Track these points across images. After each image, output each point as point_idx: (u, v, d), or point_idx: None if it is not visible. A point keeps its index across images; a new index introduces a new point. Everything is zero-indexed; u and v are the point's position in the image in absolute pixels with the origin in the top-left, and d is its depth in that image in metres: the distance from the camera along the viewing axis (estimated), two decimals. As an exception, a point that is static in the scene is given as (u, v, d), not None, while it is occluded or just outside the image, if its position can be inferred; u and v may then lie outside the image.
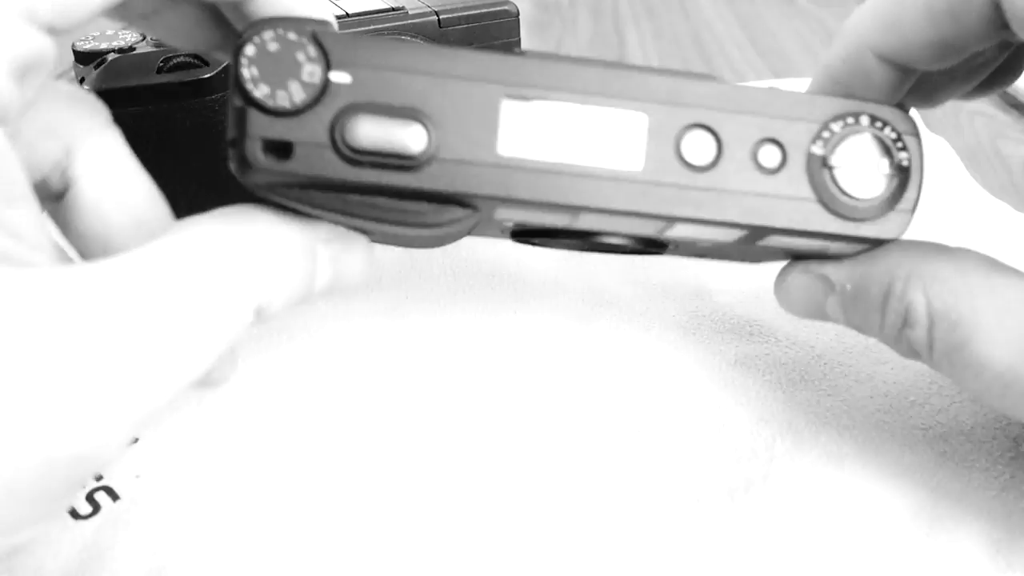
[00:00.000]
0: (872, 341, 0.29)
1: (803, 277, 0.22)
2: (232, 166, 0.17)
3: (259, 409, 0.26)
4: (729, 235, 0.20)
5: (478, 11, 0.32)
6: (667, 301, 0.32)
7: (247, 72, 0.16)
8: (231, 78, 0.17)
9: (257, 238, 0.17)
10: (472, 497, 0.23)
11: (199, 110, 0.28)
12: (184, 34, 0.21)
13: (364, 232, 0.19)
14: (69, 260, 0.16)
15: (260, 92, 0.16)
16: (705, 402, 0.27)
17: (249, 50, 0.16)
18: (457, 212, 0.18)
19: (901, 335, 0.20)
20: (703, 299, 0.32)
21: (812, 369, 0.28)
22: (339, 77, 0.17)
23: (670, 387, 0.27)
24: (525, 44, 0.35)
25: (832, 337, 0.30)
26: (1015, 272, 0.19)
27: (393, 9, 0.32)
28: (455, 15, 0.32)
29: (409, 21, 0.31)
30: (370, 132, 0.17)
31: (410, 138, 0.17)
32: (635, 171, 0.18)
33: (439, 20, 0.32)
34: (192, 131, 0.29)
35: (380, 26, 0.31)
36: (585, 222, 0.19)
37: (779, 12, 0.68)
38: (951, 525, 0.22)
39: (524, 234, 0.22)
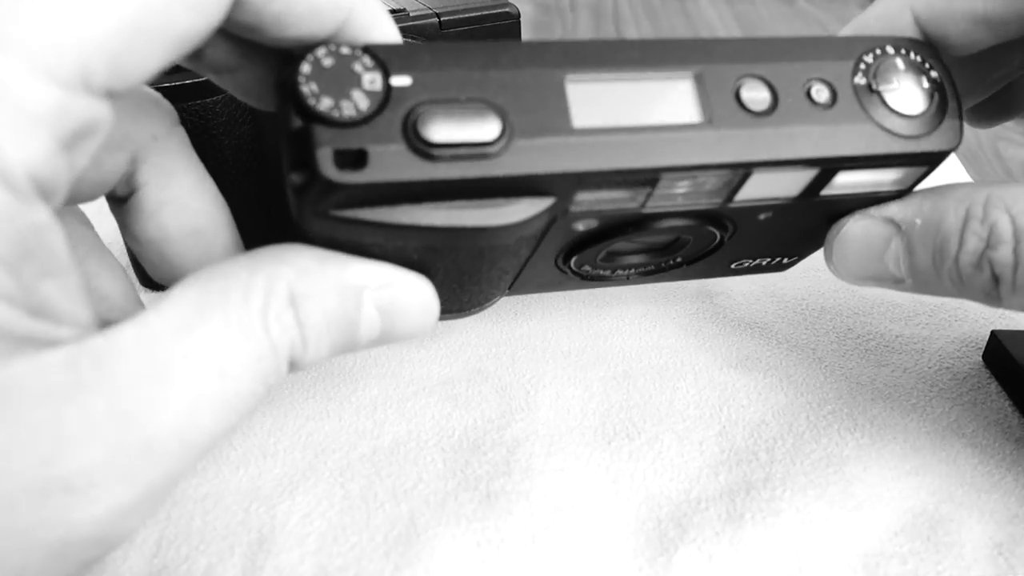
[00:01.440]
0: (873, 344, 0.29)
1: (863, 223, 0.22)
2: (295, 201, 0.17)
3: (260, 408, 0.26)
4: (797, 182, 0.20)
5: (479, 13, 0.32)
6: (669, 303, 0.32)
7: (306, 88, 0.16)
8: (282, 108, 0.16)
9: (286, 286, 0.16)
10: (473, 497, 0.23)
11: (200, 112, 0.28)
12: (256, 93, 0.19)
13: (427, 274, 0.19)
14: (103, 326, 0.15)
15: (324, 105, 0.16)
16: (705, 403, 0.27)
17: (305, 68, 0.16)
18: (537, 203, 0.18)
19: (982, 261, 0.20)
20: (704, 301, 0.32)
21: (813, 372, 0.28)
22: (400, 81, 0.16)
23: (671, 388, 0.27)
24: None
25: (833, 340, 0.30)
26: None
27: (394, 11, 0.32)
28: (456, 17, 0.32)
29: (410, 23, 0.31)
30: (444, 124, 0.16)
31: (484, 125, 0.17)
32: (704, 125, 0.19)
33: (440, 22, 0.32)
34: (193, 133, 0.29)
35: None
36: (659, 198, 0.20)
37: (779, 13, 0.68)
38: (953, 528, 0.22)
39: (588, 246, 0.22)
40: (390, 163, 0.16)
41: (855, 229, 0.22)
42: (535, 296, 0.32)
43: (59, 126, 0.14)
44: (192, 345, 0.15)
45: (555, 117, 0.17)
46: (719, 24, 0.66)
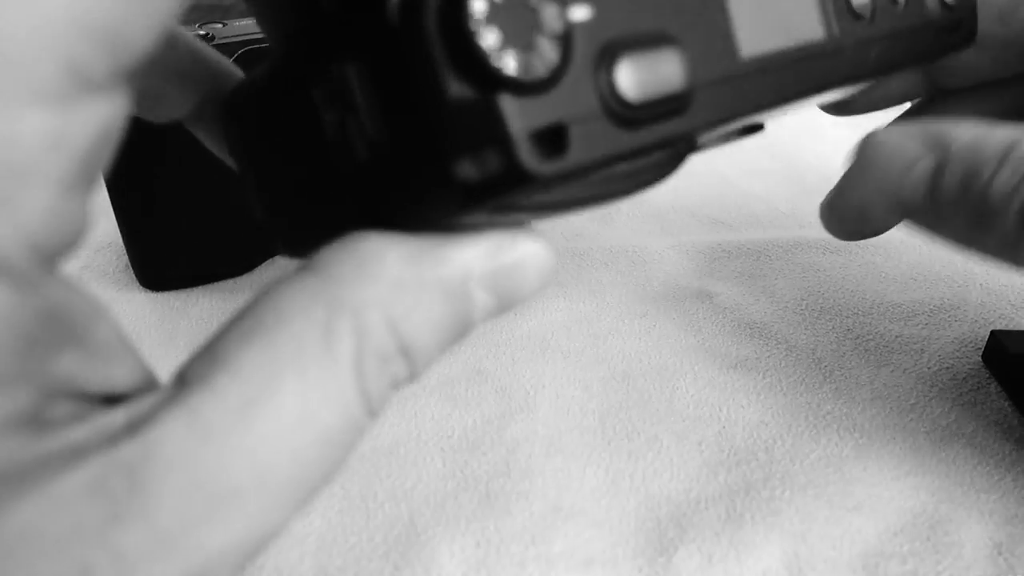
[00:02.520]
0: (872, 344, 0.29)
1: (898, 132, 0.20)
2: (450, 200, 0.12)
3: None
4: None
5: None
6: (668, 304, 0.32)
7: (486, 38, 0.10)
8: (417, 62, 0.11)
9: (382, 318, 0.12)
10: (472, 498, 0.23)
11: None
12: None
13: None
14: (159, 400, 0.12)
15: (511, 64, 0.11)
16: (705, 404, 0.27)
17: (478, 5, 0.10)
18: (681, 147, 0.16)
19: (1016, 192, 0.18)
20: (704, 302, 0.32)
21: (812, 372, 0.28)
22: (580, 13, 0.12)
23: (670, 388, 0.27)
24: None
25: (832, 340, 0.30)
26: None
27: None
28: None
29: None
30: (636, 76, 0.12)
31: (671, 71, 0.13)
32: (829, 40, 0.17)
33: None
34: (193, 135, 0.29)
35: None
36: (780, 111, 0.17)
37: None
38: (952, 528, 0.22)
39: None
40: (593, 139, 0.12)
41: (888, 138, 0.20)
42: (535, 297, 0.32)
43: (61, 163, 0.10)
44: (258, 436, 0.11)
45: (722, 47, 0.14)
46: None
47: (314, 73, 0.12)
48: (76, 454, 0.10)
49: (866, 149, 0.21)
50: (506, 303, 0.14)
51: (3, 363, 0.10)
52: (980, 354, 0.29)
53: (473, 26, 0.10)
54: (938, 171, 0.19)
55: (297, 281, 0.12)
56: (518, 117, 0.11)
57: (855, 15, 0.18)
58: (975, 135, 0.19)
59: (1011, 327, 0.31)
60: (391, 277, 0.12)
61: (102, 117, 0.10)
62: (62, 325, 0.11)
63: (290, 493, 0.11)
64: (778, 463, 0.24)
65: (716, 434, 0.25)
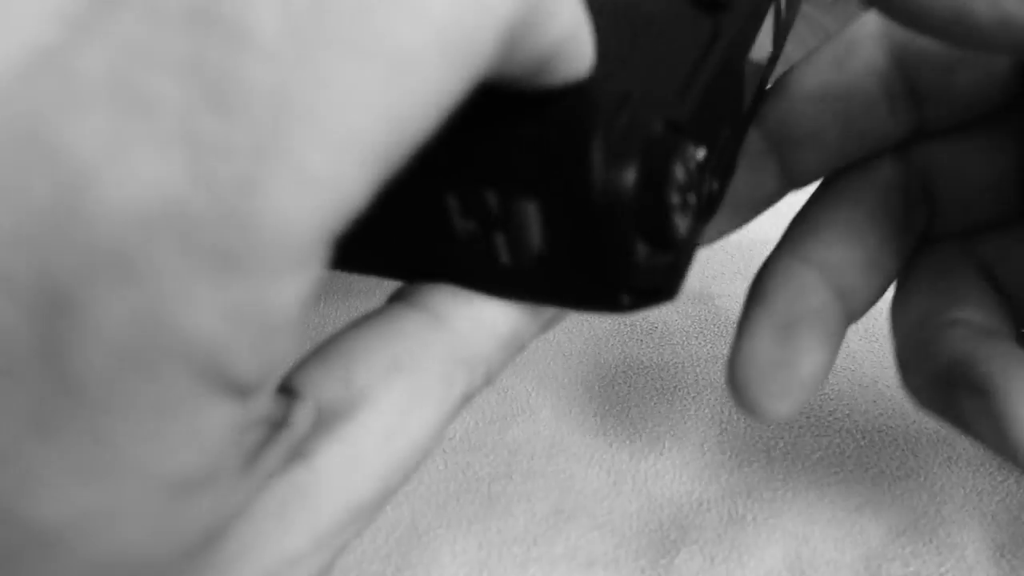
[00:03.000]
0: (876, 345, 0.29)
1: None
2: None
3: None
4: None
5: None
6: (669, 305, 0.32)
7: (676, 215, 0.12)
8: (615, 233, 0.11)
9: (486, 366, 0.14)
10: (474, 499, 0.23)
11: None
12: None
13: None
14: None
15: (684, 226, 0.12)
16: (707, 404, 0.27)
17: (675, 195, 0.12)
18: None
19: None
20: (705, 303, 0.32)
21: (815, 373, 0.28)
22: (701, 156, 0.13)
23: (671, 390, 0.27)
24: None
25: (835, 341, 0.30)
26: None
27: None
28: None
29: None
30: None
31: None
32: None
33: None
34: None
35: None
36: None
37: (781, 16, 0.68)
38: (954, 529, 0.22)
39: None
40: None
41: None
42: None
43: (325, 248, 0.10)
44: (391, 463, 0.13)
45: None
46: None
47: (454, 182, 0.12)
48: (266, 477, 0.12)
49: None
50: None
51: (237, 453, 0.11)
52: (982, 355, 0.29)
53: (670, 209, 0.11)
54: None
55: (423, 324, 0.14)
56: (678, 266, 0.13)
57: None
58: None
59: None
60: (500, 337, 0.14)
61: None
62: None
63: (397, 479, 0.13)
64: (780, 464, 0.24)
65: (718, 435, 0.25)
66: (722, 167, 0.14)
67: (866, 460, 0.24)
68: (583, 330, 0.30)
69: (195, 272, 0.08)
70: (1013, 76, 0.17)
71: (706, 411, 0.27)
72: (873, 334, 0.30)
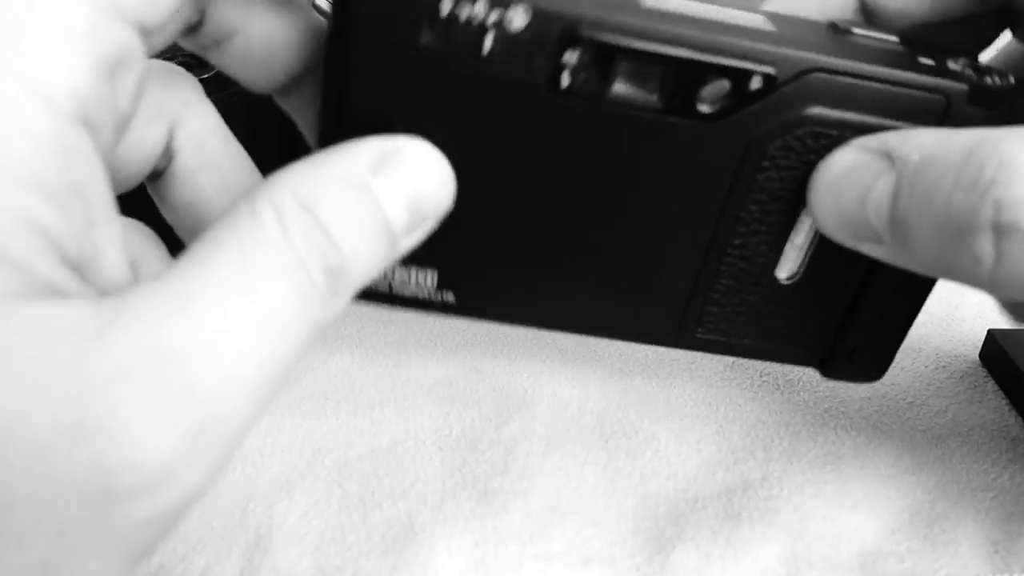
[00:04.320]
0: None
1: (854, 152, 0.18)
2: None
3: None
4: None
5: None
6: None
7: None
8: None
9: (291, 195, 0.15)
10: (470, 496, 0.23)
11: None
12: (254, 64, 0.18)
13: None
14: (134, 282, 0.15)
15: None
16: (702, 402, 0.27)
17: None
18: None
19: (985, 199, 0.15)
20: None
21: (809, 371, 0.28)
22: None
23: (668, 387, 0.27)
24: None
25: (830, 338, 0.30)
26: None
27: None
28: None
29: None
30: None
31: None
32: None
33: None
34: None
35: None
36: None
37: (777, 14, 0.68)
38: (949, 526, 0.22)
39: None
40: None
41: (845, 157, 0.18)
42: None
43: (96, 48, 0.13)
44: (214, 275, 0.14)
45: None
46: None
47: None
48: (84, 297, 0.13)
49: (820, 178, 0.19)
50: (413, 201, 0.16)
51: (48, 172, 0.12)
52: (977, 353, 0.29)
53: None
54: (896, 193, 0.17)
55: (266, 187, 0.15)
56: None
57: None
58: (934, 144, 0.17)
59: (1008, 327, 0.31)
60: (299, 173, 0.15)
61: (125, 40, 0.14)
62: (100, 189, 0.14)
63: (252, 319, 0.14)
64: (775, 462, 0.24)
65: (714, 433, 0.26)
66: None
67: (861, 458, 0.24)
68: (579, 328, 0.31)
69: None
70: None
71: (702, 409, 0.27)
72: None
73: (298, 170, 0.15)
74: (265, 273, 0.14)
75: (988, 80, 0.17)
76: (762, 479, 0.24)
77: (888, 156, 0.17)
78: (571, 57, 0.17)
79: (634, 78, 0.18)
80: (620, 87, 0.18)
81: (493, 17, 0.16)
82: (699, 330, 0.21)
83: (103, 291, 0.14)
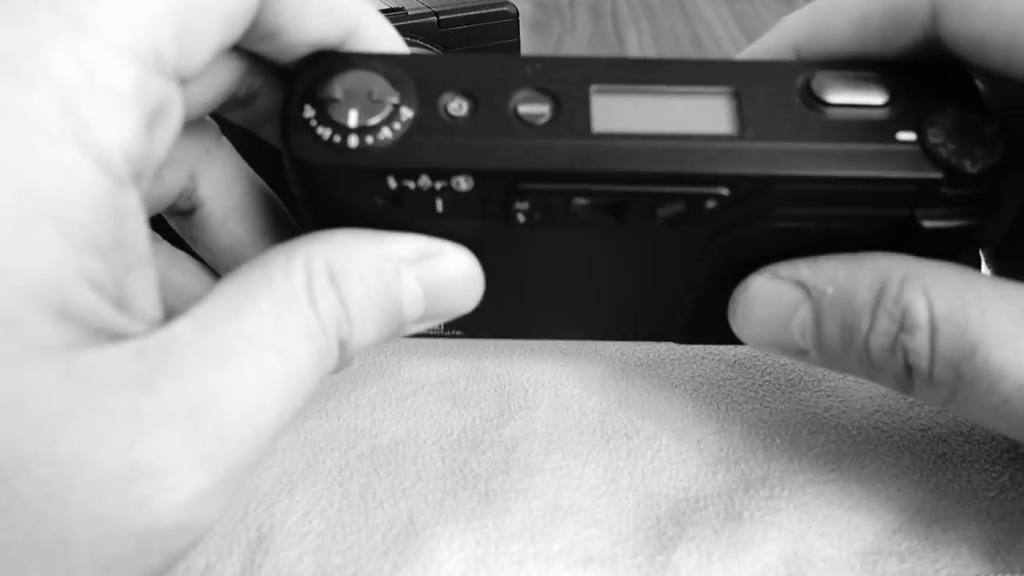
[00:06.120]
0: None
1: (771, 283, 0.19)
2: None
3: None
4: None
5: (477, 12, 0.32)
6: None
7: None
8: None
9: (323, 263, 0.16)
10: (471, 496, 0.23)
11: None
12: (268, 123, 0.20)
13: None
14: (169, 322, 0.15)
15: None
16: (704, 402, 0.27)
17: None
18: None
19: (895, 346, 0.17)
20: (702, 300, 0.32)
21: (810, 370, 0.28)
22: None
23: (669, 386, 0.27)
24: (524, 45, 0.35)
25: (831, 338, 0.30)
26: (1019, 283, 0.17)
27: (392, 9, 0.32)
28: (454, 16, 0.32)
29: (408, 22, 0.31)
30: None
31: None
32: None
33: (438, 20, 0.32)
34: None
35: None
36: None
37: (778, 13, 0.68)
38: (950, 526, 0.22)
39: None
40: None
41: (762, 289, 0.19)
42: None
43: (143, 104, 0.14)
44: (246, 328, 0.15)
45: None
46: (718, 23, 0.66)
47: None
48: (128, 336, 0.14)
49: (741, 306, 0.20)
50: (432, 301, 0.18)
51: (101, 233, 0.13)
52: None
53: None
54: (817, 321, 0.19)
55: (272, 248, 0.17)
56: None
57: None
58: (845, 278, 0.18)
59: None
60: (336, 242, 0.17)
61: (167, 93, 0.15)
62: (140, 239, 0.14)
63: (277, 373, 0.15)
64: (777, 461, 0.24)
65: (715, 432, 0.26)
66: None
67: (862, 457, 0.24)
68: (580, 327, 0.31)
69: None
70: None
71: (703, 408, 0.27)
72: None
73: (338, 238, 0.17)
74: (295, 335, 0.15)
75: (967, 162, 0.17)
76: (763, 478, 0.24)
77: (803, 285, 0.19)
78: (522, 205, 0.18)
79: (589, 208, 0.18)
80: (577, 213, 0.18)
81: (439, 185, 0.17)
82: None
83: (139, 319, 0.15)
